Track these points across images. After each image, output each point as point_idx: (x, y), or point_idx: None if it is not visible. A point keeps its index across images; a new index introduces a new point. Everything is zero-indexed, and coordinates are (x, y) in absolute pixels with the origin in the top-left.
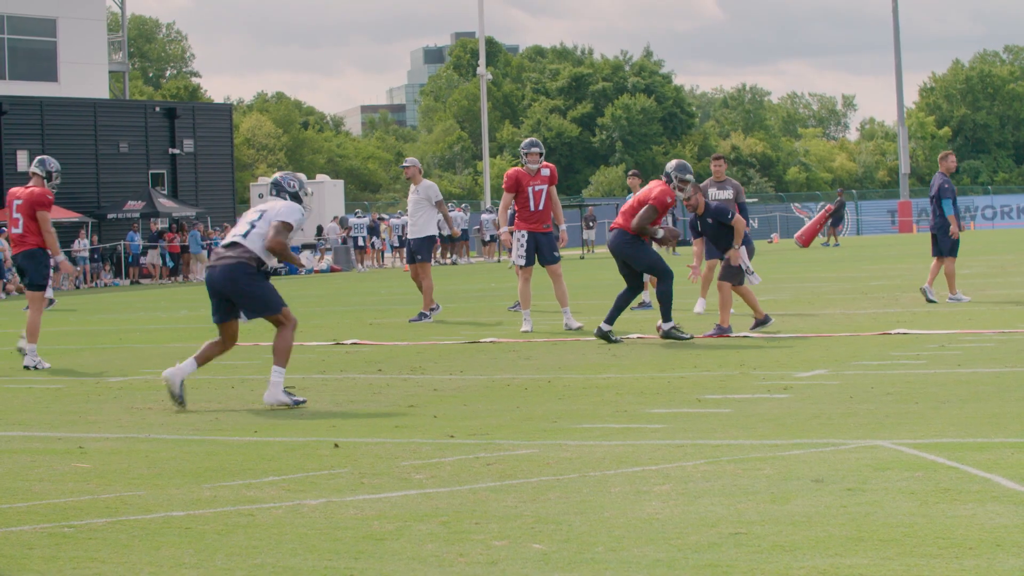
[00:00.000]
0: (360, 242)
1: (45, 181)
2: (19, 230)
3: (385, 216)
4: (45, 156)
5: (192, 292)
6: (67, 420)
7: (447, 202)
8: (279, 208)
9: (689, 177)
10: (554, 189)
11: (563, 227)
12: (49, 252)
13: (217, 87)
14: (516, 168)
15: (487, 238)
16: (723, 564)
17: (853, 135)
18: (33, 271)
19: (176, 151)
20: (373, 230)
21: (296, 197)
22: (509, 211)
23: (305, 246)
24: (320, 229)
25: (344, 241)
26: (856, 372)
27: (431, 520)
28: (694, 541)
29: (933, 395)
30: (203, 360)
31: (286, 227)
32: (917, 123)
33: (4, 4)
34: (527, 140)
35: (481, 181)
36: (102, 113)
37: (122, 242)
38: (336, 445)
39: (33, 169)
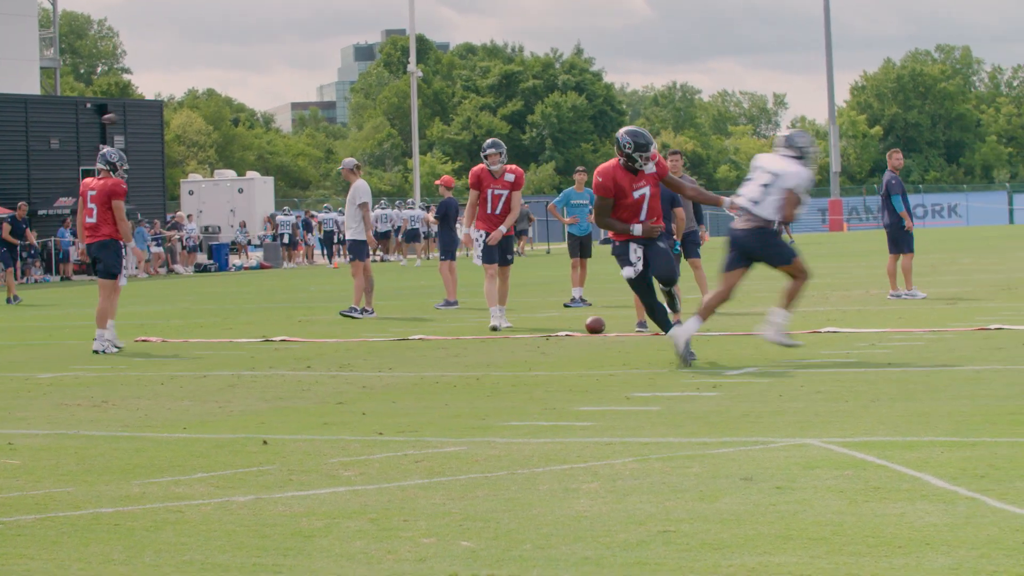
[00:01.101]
0: (287, 239)
1: (112, 172)
2: (93, 219)
3: (315, 213)
4: (105, 149)
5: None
6: None
7: (379, 200)
8: (792, 177)
9: (642, 141)
10: (517, 194)
11: (503, 229)
12: (122, 241)
13: (148, 84)
14: (481, 166)
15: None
16: (651, 562)
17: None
18: (107, 260)
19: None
20: (307, 226)
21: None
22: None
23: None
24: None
25: (273, 238)
26: (785, 370)
27: (359, 517)
28: (622, 539)
29: (863, 393)
30: (707, 314)
31: (797, 199)
32: (848, 122)
33: None
34: (488, 140)
35: (411, 178)
36: (33, 109)
37: (52, 238)
38: (265, 442)
39: (99, 166)
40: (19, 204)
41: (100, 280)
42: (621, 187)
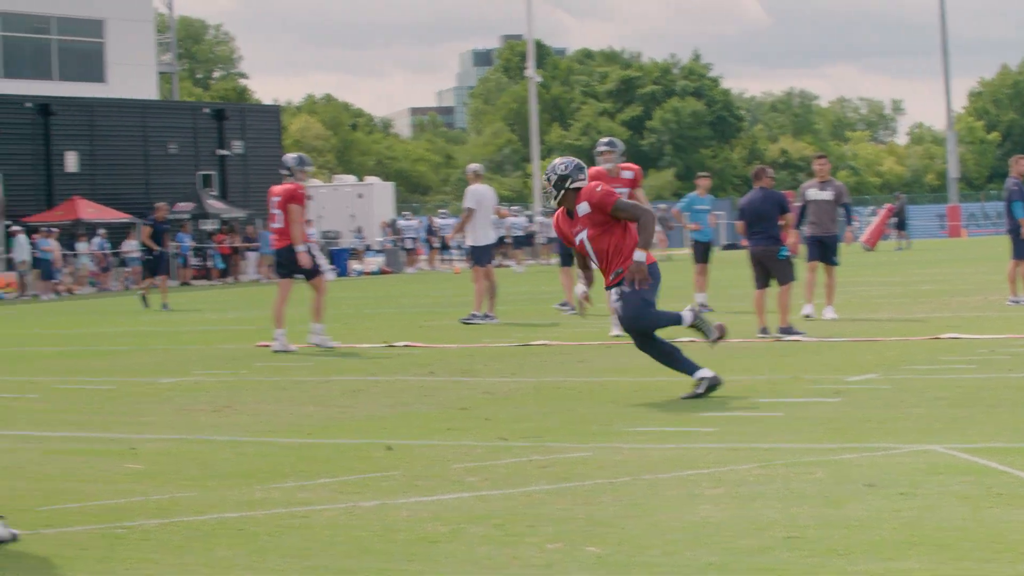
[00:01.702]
0: (409, 244)
1: (291, 177)
2: (279, 224)
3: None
4: (286, 155)
5: (242, 293)
6: (119, 421)
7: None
8: None
9: (552, 176)
10: (638, 192)
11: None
12: (307, 243)
13: (265, 88)
14: (597, 167)
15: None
16: (776, 568)
17: (902, 139)
18: (293, 264)
19: (225, 152)
20: (430, 231)
21: None
22: None
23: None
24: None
25: (395, 243)
26: (907, 376)
27: (485, 523)
28: (747, 545)
29: (984, 400)
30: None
31: None
32: (966, 128)
33: (52, 5)
34: (601, 139)
35: (530, 184)
36: (151, 114)
37: (172, 243)
38: (389, 447)
39: (282, 171)
40: (158, 205)
41: (310, 281)
42: (565, 235)
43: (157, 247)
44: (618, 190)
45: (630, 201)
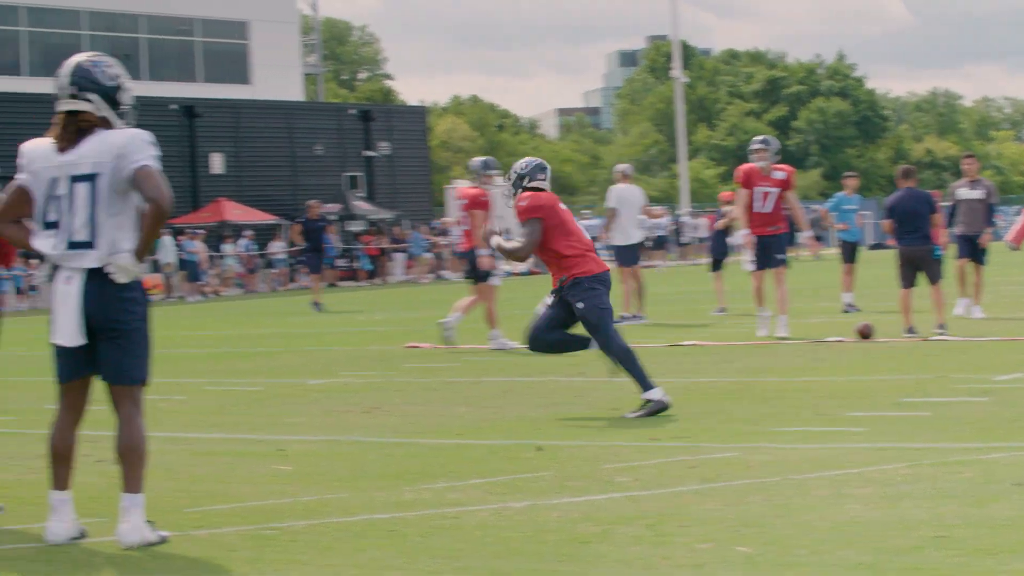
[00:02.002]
0: None
1: (476, 182)
2: (467, 226)
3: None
4: (474, 158)
5: (390, 294)
6: (267, 423)
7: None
8: None
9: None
10: (791, 194)
11: (808, 233)
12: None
13: (410, 90)
14: (749, 164)
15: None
16: (925, 567)
17: None
18: (472, 267)
19: (371, 153)
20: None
21: None
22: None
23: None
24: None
25: None
26: None
27: (636, 523)
28: (896, 544)
29: None
30: None
31: None
32: None
33: (197, 8)
34: (756, 137)
35: (677, 184)
36: (296, 116)
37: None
38: (540, 448)
39: (471, 174)
40: (310, 203)
41: (478, 286)
42: None
43: (306, 244)
44: (767, 190)
45: (529, 229)
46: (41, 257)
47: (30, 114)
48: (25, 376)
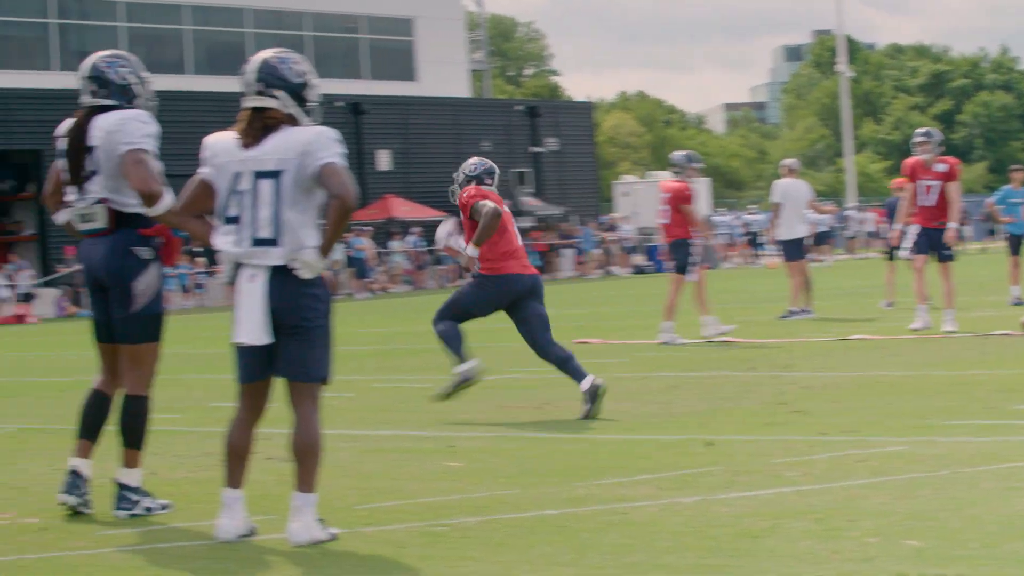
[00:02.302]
0: (724, 240)
1: (679, 175)
2: (666, 220)
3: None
4: (676, 152)
5: (559, 290)
6: (437, 419)
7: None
8: None
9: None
10: (952, 186)
11: (952, 226)
12: (689, 241)
13: (577, 85)
14: (914, 157)
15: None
16: None
17: None
18: (677, 258)
19: (539, 149)
20: (747, 226)
21: None
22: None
23: None
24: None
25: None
26: None
27: (805, 517)
28: None
29: None
30: None
31: None
32: None
33: (363, 5)
34: (918, 129)
35: (843, 179)
36: (463, 112)
37: None
38: (709, 443)
39: (673, 170)
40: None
41: (671, 275)
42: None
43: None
44: (930, 183)
45: (484, 204)
46: (206, 254)
47: (194, 112)
48: (191, 374)
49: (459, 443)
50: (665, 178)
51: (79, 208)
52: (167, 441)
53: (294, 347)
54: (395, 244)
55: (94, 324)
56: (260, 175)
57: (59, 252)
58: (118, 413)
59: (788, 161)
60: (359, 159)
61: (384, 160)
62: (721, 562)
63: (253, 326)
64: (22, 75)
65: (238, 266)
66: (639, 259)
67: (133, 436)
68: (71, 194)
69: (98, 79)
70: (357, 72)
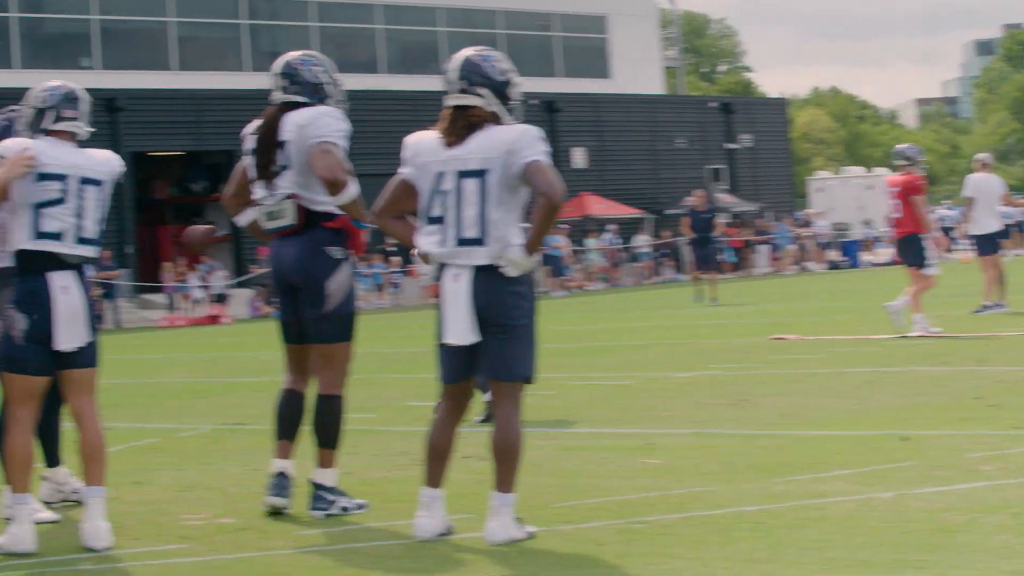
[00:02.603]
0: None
1: (910, 167)
2: (898, 214)
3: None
4: (903, 144)
5: (754, 286)
6: (635, 416)
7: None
8: None
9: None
10: None
11: None
12: (921, 235)
13: (770, 82)
14: None
15: None
16: None
17: None
18: (908, 254)
19: (733, 146)
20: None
21: None
22: None
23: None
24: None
25: None
26: None
27: (1000, 512)
28: None
29: None
30: None
31: None
32: None
33: (556, 3)
34: None
35: None
36: (657, 109)
37: (680, 238)
38: (905, 438)
39: (897, 161)
40: (696, 192)
41: (910, 270)
42: None
43: (694, 235)
44: None
45: None
46: (400, 253)
47: (387, 111)
48: (387, 374)
49: (657, 440)
50: (858, 173)
51: (267, 205)
52: (363, 440)
53: (498, 346)
54: (591, 242)
55: (283, 325)
56: (464, 174)
57: (252, 253)
58: (312, 413)
59: (981, 156)
60: (554, 157)
61: (579, 158)
62: (917, 557)
63: (460, 326)
64: (214, 76)
65: (442, 266)
66: (834, 255)
67: (328, 436)
68: (259, 191)
69: (291, 76)
70: (550, 70)
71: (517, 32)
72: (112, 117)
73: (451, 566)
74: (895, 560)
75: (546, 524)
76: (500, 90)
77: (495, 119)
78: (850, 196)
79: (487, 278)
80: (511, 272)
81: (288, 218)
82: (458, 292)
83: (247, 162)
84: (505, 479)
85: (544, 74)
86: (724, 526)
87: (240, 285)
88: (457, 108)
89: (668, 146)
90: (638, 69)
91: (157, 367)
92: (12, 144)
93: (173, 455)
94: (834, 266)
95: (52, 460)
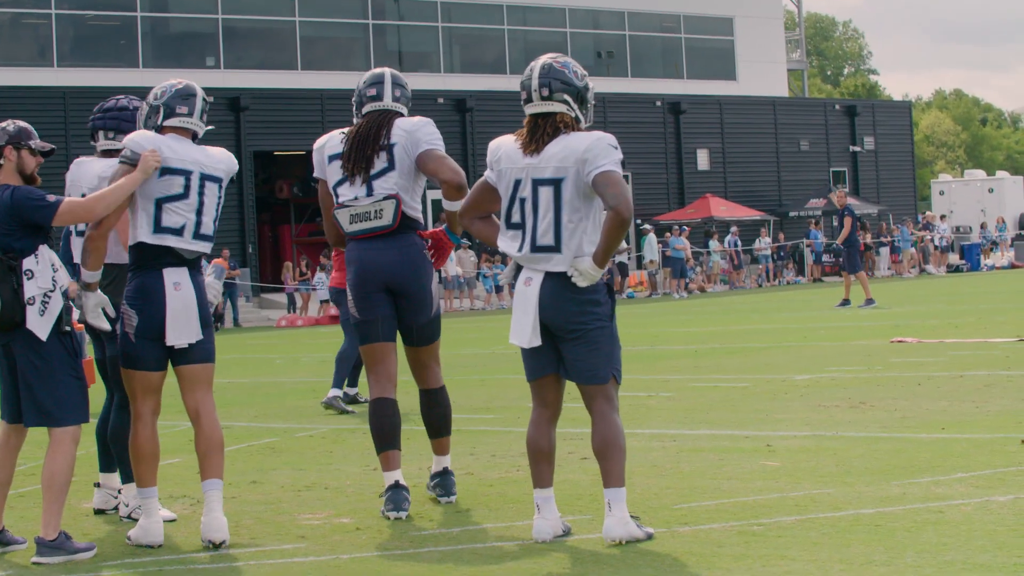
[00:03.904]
0: None
1: None
2: None
3: None
4: None
5: (876, 289)
6: (754, 418)
7: None
8: None
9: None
10: None
11: None
12: None
13: (894, 84)
14: None
15: None
16: None
17: None
18: None
19: (857, 149)
20: None
21: None
22: None
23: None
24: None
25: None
26: None
27: None
28: None
29: None
30: None
31: None
32: None
33: (682, 4)
34: None
35: None
36: (781, 111)
37: (804, 240)
38: (1023, 441)
39: None
40: (838, 189)
41: None
42: None
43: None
44: None
45: None
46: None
47: (513, 112)
48: (507, 374)
49: (776, 442)
50: (980, 177)
51: (360, 206)
52: (482, 440)
53: (576, 352)
54: (713, 244)
55: (367, 324)
56: (539, 182)
57: None
58: (426, 409)
59: None
60: (678, 159)
61: (703, 159)
62: None
63: (522, 329)
64: (337, 75)
65: (519, 268)
66: (954, 258)
67: (447, 424)
68: (347, 192)
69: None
70: (676, 72)
71: (643, 34)
72: (236, 116)
73: (568, 566)
74: (1013, 563)
75: (664, 526)
76: (581, 94)
77: (576, 124)
78: (972, 199)
79: (556, 284)
80: (580, 282)
81: (386, 219)
82: (527, 296)
83: (332, 166)
84: (612, 474)
85: (669, 76)
86: (841, 529)
87: None
88: (540, 116)
89: (792, 148)
90: (763, 71)
91: (276, 367)
92: (139, 137)
93: (291, 455)
94: (954, 269)
95: (109, 466)
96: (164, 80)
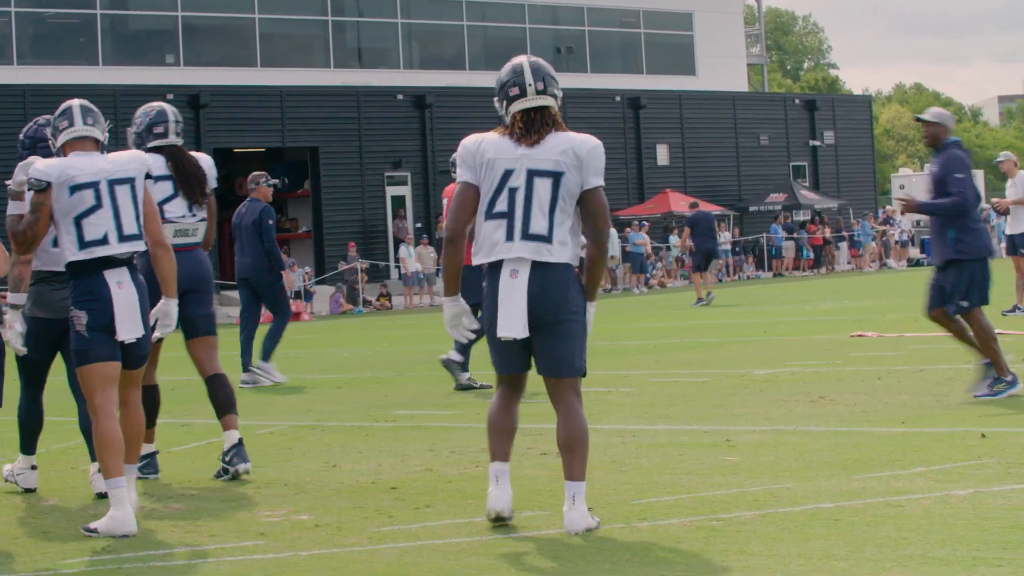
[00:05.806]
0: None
1: None
2: None
3: None
4: None
5: (835, 284)
6: (714, 413)
7: None
8: None
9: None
10: None
11: None
12: None
13: (854, 79)
14: None
15: None
16: None
17: None
18: None
19: (817, 143)
20: None
21: None
22: None
23: None
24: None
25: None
26: None
27: None
28: None
29: None
30: None
31: None
32: None
33: (641, 0)
34: None
35: None
36: (741, 106)
37: (764, 235)
38: (983, 435)
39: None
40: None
41: None
42: None
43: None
44: None
45: None
46: None
47: (471, 108)
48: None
49: (736, 437)
50: None
51: None
52: (442, 437)
53: (554, 343)
54: (673, 239)
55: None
56: (535, 173)
57: (334, 250)
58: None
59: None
60: (638, 154)
61: (663, 155)
62: (994, 555)
63: (514, 320)
64: (297, 72)
65: (495, 265)
66: (915, 252)
67: (232, 403)
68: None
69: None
70: (635, 67)
71: (603, 29)
72: (196, 113)
73: (528, 563)
74: (972, 557)
75: (624, 521)
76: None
77: (562, 121)
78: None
79: (543, 275)
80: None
81: None
82: (516, 288)
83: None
84: (578, 468)
85: (629, 71)
86: (801, 523)
87: (322, 282)
88: (533, 110)
89: (752, 143)
90: (723, 66)
91: (236, 363)
92: (42, 165)
93: (251, 452)
94: (916, 263)
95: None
96: (124, 78)
